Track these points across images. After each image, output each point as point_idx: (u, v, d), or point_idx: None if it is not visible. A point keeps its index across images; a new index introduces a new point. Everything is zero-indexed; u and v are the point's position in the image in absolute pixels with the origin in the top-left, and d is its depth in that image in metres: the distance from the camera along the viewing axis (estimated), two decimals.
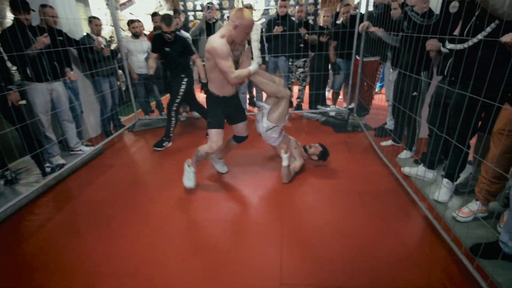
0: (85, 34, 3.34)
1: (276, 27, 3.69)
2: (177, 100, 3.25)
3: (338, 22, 3.91)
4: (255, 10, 6.33)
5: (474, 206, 1.78)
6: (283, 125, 2.44)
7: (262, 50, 3.85)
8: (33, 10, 2.53)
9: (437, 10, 2.43)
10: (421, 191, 2.13)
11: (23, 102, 2.62)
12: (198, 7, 6.59)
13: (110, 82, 3.60)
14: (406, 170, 2.44)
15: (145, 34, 4.01)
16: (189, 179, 2.37)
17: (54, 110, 2.84)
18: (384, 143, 3.06)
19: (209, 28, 3.73)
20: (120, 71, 4.25)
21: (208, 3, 3.81)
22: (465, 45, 1.76)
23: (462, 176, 2.14)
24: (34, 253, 1.82)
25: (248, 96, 4.60)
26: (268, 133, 2.43)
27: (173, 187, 2.49)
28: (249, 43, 2.19)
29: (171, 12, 4.69)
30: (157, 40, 3.14)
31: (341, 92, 4.37)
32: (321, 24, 3.92)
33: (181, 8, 6.48)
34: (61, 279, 1.61)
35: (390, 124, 3.27)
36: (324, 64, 3.97)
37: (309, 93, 4.20)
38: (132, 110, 4.15)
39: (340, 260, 1.64)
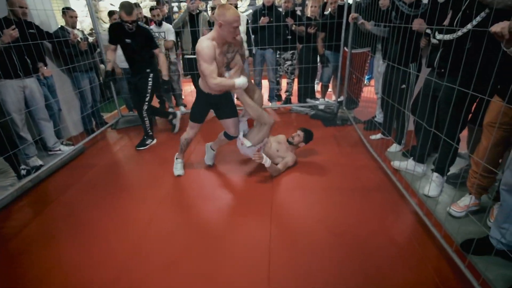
0: (59, 27, 3.15)
1: (262, 18, 3.57)
2: (147, 99, 3.05)
3: (326, 12, 3.81)
4: (241, 0, 6.17)
5: (468, 200, 1.76)
6: (260, 146, 2.42)
7: (248, 42, 3.75)
8: None
9: None
10: (411, 185, 2.10)
11: None
12: None
13: (89, 78, 3.43)
14: (396, 164, 2.40)
15: None
16: (176, 169, 2.57)
17: (28, 108, 2.68)
18: (373, 137, 3.02)
19: (193, 19, 3.58)
20: (102, 66, 4.05)
21: None
22: (454, 35, 1.70)
23: (453, 169, 2.12)
24: (6, 264, 1.70)
25: None
26: (247, 150, 2.43)
27: (157, 186, 2.39)
28: None
29: (153, 3, 4.50)
30: (116, 30, 2.84)
31: (330, 85, 4.30)
32: (308, 15, 3.82)
33: None
34: None
35: (379, 117, 3.23)
36: (313, 56, 3.89)
37: (298, 86, 4.12)
38: (115, 106, 3.98)
39: (330, 259, 1.60)
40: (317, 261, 1.59)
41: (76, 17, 3.21)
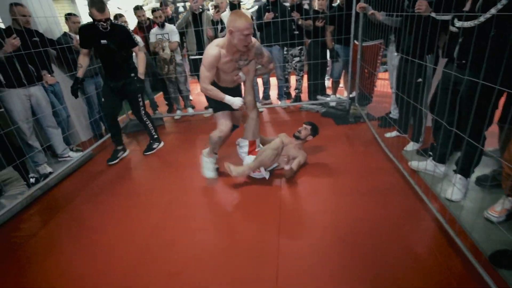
0: (62, 33, 3.15)
1: (266, 14, 3.44)
2: (141, 104, 2.91)
3: (334, 4, 3.63)
4: None
5: (508, 203, 1.57)
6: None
7: None
8: None
9: None
10: (431, 188, 1.93)
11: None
12: None
13: (95, 83, 3.42)
14: (414, 164, 2.23)
15: None
16: (208, 169, 2.30)
17: (35, 116, 2.69)
18: (388, 135, 2.84)
19: (196, 19, 3.49)
20: None
21: None
22: (476, 22, 1.53)
23: (479, 169, 1.92)
24: (14, 275, 1.69)
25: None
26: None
27: (162, 193, 2.35)
28: None
29: (157, 4, 4.45)
30: (88, 32, 2.53)
31: (341, 81, 4.12)
32: (316, 8, 3.65)
33: None
34: None
35: (394, 113, 3.04)
36: (322, 51, 3.72)
37: (308, 83, 3.97)
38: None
39: (341, 270, 1.48)
40: (327, 271, 1.48)
41: (79, 22, 3.20)
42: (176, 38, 3.60)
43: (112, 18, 3.99)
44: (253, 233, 1.81)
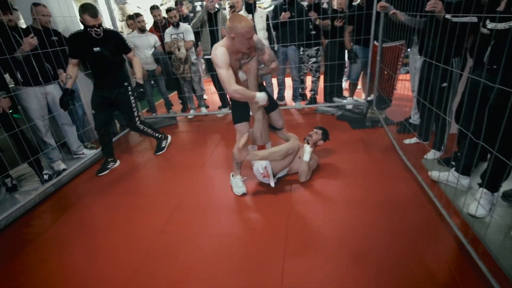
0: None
1: (283, 13, 3.35)
2: (135, 114, 2.79)
3: (354, 4, 3.49)
4: None
5: None
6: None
7: (269, 39, 3.56)
8: (15, 9, 2.39)
9: None
10: (453, 202, 1.79)
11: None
12: None
13: None
14: (435, 175, 2.08)
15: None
16: (237, 186, 2.25)
17: (51, 114, 2.74)
18: (407, 141, 2.69)
19: (211, 19, 3.46)
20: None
21: None
22: (510, 23, 1.39)
23: (507, 184, 1.76)
24: (21, 271, 1.72)
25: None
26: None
27: (170, 195, 2.33)
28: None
29: (172, 4, 4.45)
30: (79, 40, 2.40)
31: (359, 83, 3.96)
32: (335, 7, 3.52)
33: None
34: None
35: (415, 119, 2.88)
36: (339, 52, 3.59)
37: (324, 84, 3.85)
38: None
39: (349, 286, 1.38)
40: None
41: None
42: (191, 37, 3.58)
43: (128, 17, 4.06)
44: (260, 241, 1.75)
